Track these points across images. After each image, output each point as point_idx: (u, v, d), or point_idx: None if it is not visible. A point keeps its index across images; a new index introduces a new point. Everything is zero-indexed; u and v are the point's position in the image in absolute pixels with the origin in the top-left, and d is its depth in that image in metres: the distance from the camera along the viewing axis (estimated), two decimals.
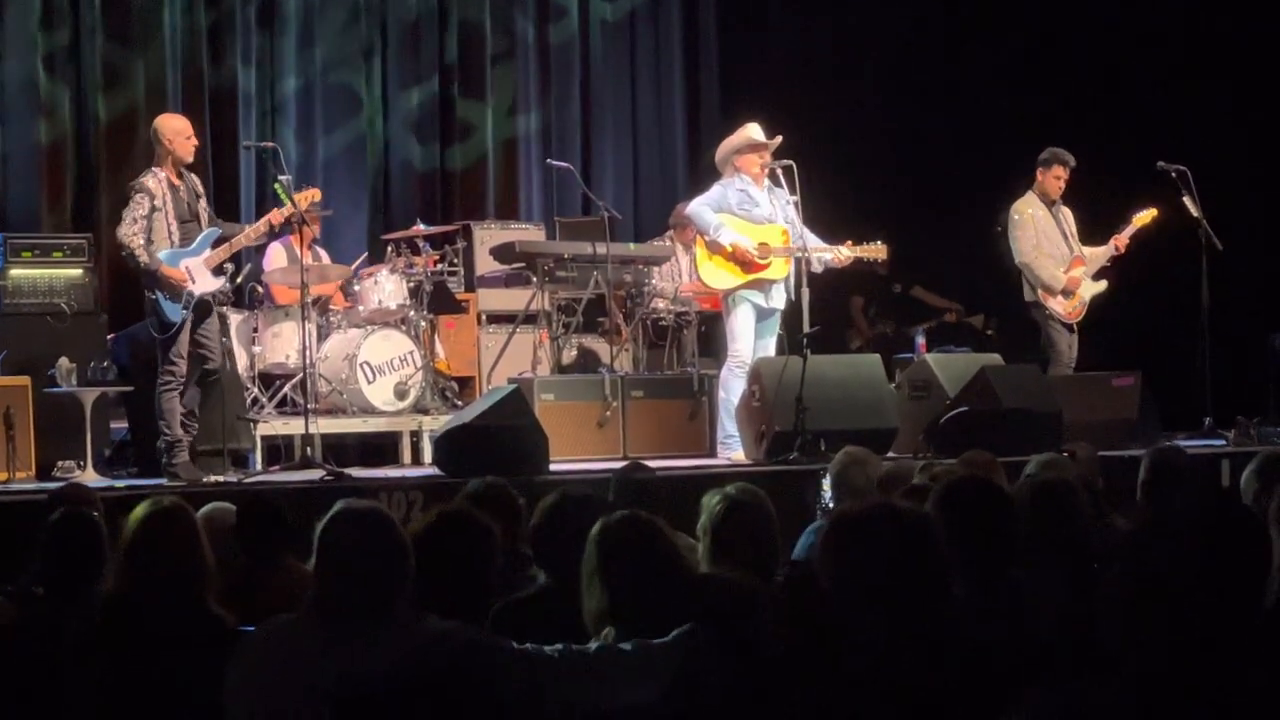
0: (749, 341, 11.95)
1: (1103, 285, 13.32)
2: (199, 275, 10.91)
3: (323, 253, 13.72)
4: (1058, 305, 13.18)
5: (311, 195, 11.81)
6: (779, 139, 12.04)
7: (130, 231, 10.81)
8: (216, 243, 11.07)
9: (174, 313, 10.83)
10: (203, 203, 11.19)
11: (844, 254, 12.09)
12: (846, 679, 4.01)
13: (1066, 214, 13.41)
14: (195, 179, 11.26)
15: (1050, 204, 13.33)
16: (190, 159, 11.08)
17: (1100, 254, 13.30)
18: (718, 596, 4.98)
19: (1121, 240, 13.29)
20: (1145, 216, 13.31)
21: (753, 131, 12.09)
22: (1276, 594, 4.90)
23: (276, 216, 11.46)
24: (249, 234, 11.35)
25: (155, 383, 10.94)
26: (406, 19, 16.22)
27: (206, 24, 15.35)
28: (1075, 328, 13.26)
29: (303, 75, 15.75)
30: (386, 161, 16.19)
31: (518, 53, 16.71)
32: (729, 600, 4.96)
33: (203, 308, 10.98)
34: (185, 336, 10.89)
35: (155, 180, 10.90)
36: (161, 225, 10.86)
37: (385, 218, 15.85)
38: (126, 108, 14.84)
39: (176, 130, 11.06)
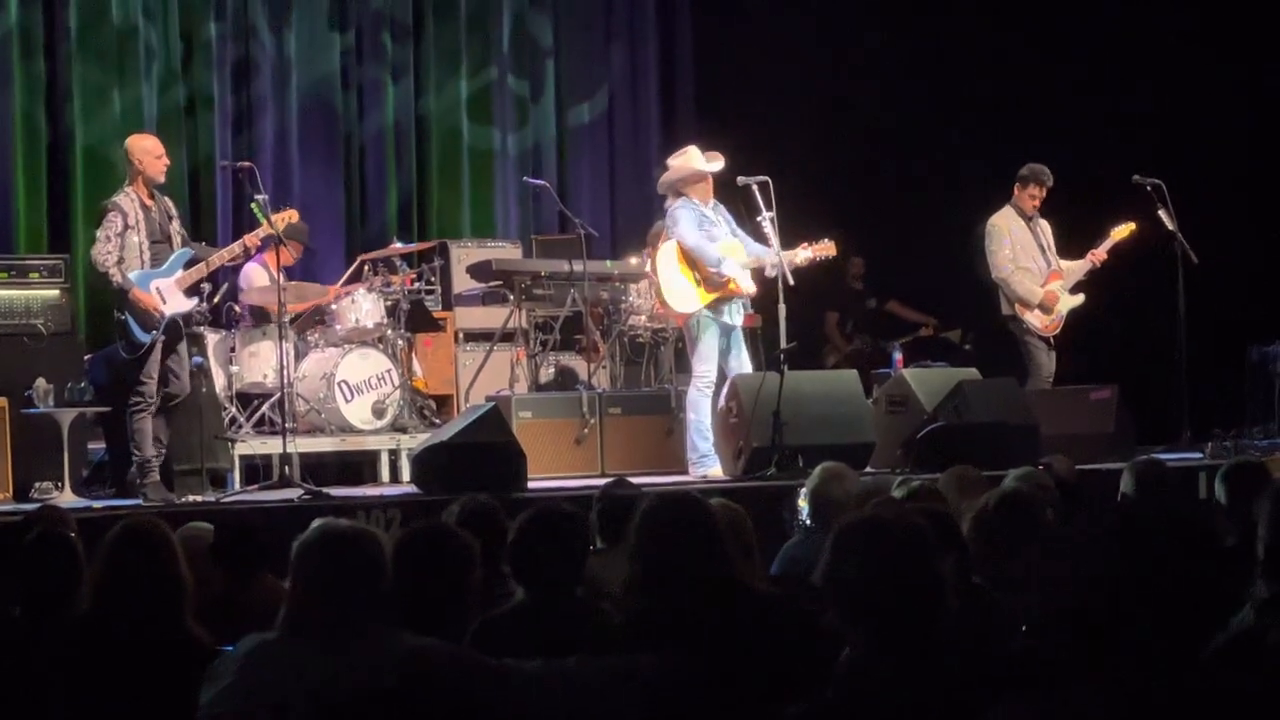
0: (714, 361, 11.93)
1: (1080, 299, 13.33)
2: (170, 296, 10.90)
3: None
4: (1035, 319, 13.19)
5: (289, 216, 11.76)
6: (720, 162, 12.01)
7: (104, 251, 10.80)
8: (190, 264, 11.06)
9: (142, 336, 10.81)
10: (175, 224, 11.19)
11: (801, 258, 12.08)
12: (837, 690, 4.02)
13: (1044, 226, 13.42)
14: (168, 201, 11.27)
15: (1027, 218, 13.34)
16: (161, 178, 11.08)
17: (1078, 268, 13.31)
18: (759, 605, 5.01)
19: (1099, 255, 13.30)
20: (1124, 230, 13.32)
21: (695, 160, 12.03)
22: (1253, 603, 4.91)
23: (252, 240, 11.48)
24: (223, 256, 11.37)
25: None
26: (382, 33, 16.21)
27: (182, 46, 15.34)
28: (1053, 342, 13.27)
29: (280, 95, 15.74)
30: (363, 178, 16.19)
31: (493, 70, 16.70)
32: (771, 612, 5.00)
33: (172, 331, 10.96)
34: (156, 357, 10.88)
35: (128, 199, 10.91)
36: (134, 244, 10.85)
37: (362, 236, 15.84)
38: (103, 128, 14.82)
39: (146, 150, 11.07)
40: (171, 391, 11.05)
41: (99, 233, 10.91)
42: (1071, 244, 13.50)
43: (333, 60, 15.99)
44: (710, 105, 16.89)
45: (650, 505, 5.15)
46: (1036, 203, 13.31)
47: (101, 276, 10.93)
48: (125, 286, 10.79)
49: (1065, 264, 13.33)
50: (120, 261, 10.81)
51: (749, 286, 11.89)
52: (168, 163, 11.18)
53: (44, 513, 7.88)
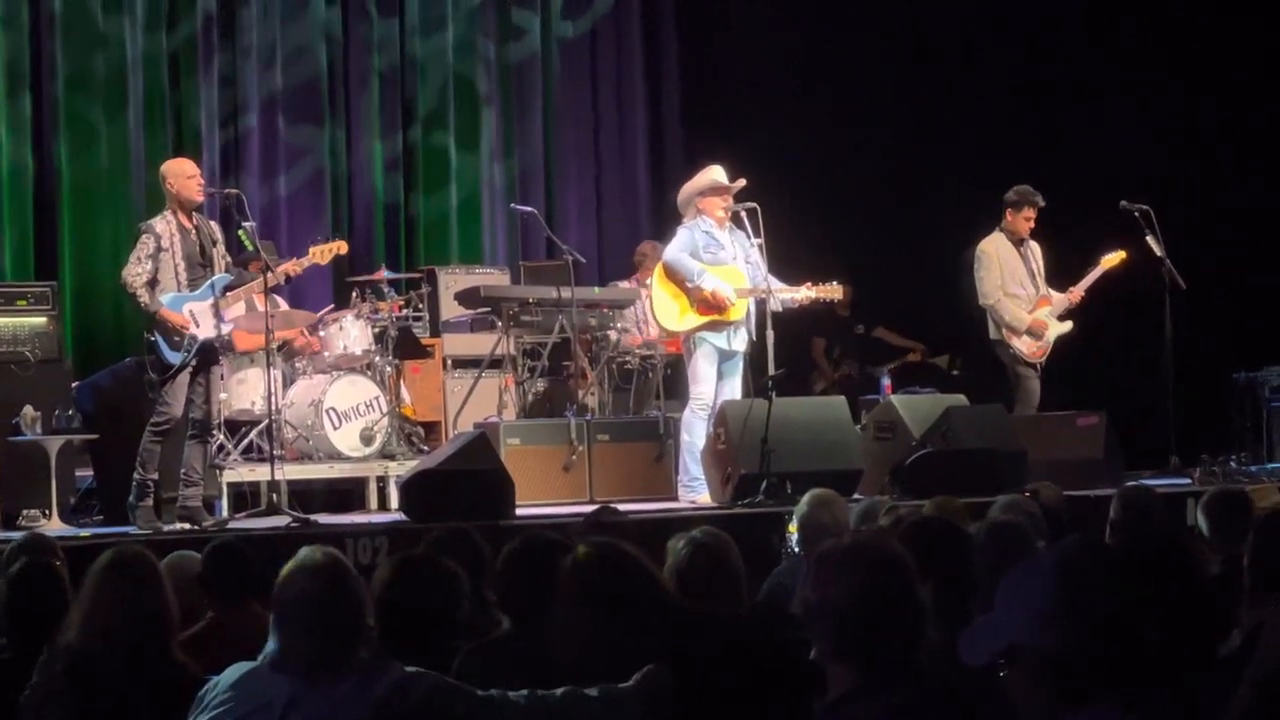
0: (711, 384, 11.95)
1: (1068, 326, 13.32)
2: (203, 320, 10.85)
3: (280, 300, 13.66)
4: (1023, 345, 13.20)
5: (338, 248, 11.83)
6: (742, 181, 12.07)
7: (133, 273, 10.79)
8: (229, 289, 11.04)
9: (171, 356, 10.78)
10: (219, 249, 11.13)
11: (802, 295, 12.12)
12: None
13: (1034, 250, 13.41)
14: (214, 225, 11.26)
15: (1018, 242, 13.34)
16: (199, 198, 11.06)
17: (1061, 300, 13.32)
18: (697, 631, 4.98)
19: (1075, 294, 13.29)
20: (1114, 259, 13.31)
21: (716, 174, 12.12)
22: (1240, 630, 4.92)
23: (293, 268, 11.47)
24: (261, 284, 11.35)
25: (122, 430, 10.91)
26: (368, 61, 16.24)
27: (168, 74, 15.37)
28: (1040, 367, 13.28)
29: (265, 121, 15.76)
30: (350, 207, 16.19)
31: (481, 96, 16.73)
32: (707, 635, 4.97)
33: (204, 356, 10.93)
34: (184, 379, 10.84)
35: (164, 222, 10.89)
36: (168, 266, 10.82)
37: (349, 263, 15.82)
38: (89, 156, 14.83)
39: (177, 173, 11.06)
40: (195, 416, 10.98)
41: (131, 254, 10.90)
42: (1060, 270, 13.50)
43: (319, 87, 16.02)
44: (698, 132, 16.90)
45: (573, 569, 5.02)
46: (1031, 224, 13.30)
47: (130, 297, 10.91)
48: (152, 309, 10.77)
49: (1053, 293, 13.34)
50: (153, 284, 10.79)
51: (726, 294, 11.85)
52: (201, 182, 11.16)
53: (30, 541, 7.86)
